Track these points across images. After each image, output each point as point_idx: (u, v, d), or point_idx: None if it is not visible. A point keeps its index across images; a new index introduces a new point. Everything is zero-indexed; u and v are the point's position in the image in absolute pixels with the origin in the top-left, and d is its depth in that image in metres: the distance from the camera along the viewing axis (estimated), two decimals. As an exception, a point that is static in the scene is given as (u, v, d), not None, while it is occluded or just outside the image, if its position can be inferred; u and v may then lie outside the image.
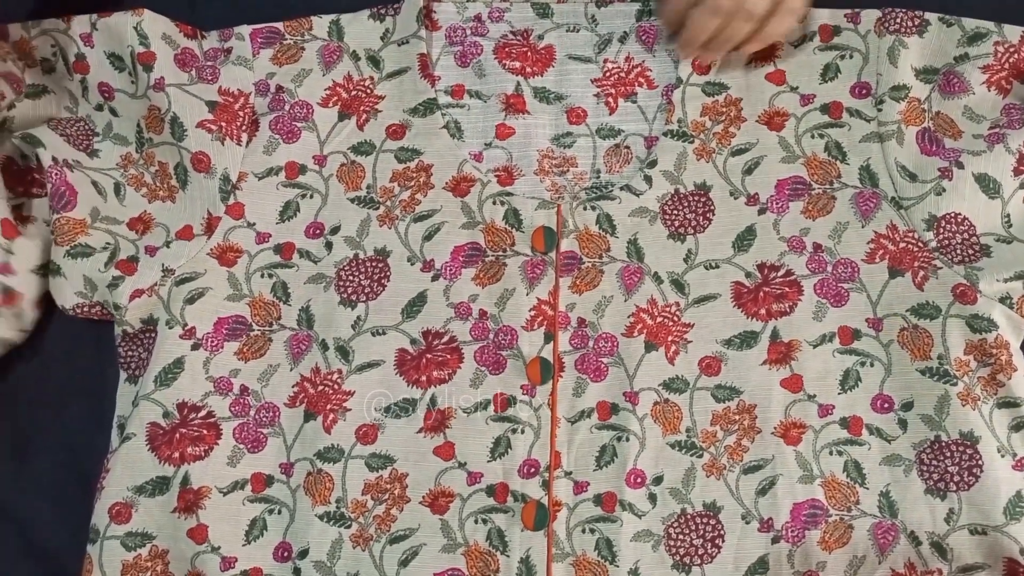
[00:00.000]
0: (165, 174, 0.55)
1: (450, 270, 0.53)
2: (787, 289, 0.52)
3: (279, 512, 0.51)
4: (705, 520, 0.49)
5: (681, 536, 0.49)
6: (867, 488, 0.49)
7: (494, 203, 0.55)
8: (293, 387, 0.52)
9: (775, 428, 0.50)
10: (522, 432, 0.51)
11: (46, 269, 0.54)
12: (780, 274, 0.53)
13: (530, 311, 0.52)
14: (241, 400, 0.52)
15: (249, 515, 0.51)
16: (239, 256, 0.55)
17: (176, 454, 0.51)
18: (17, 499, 0.54)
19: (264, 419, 0.52)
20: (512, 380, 0.51)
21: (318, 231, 0.55)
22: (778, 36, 0.53)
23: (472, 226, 0.54)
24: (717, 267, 0.53)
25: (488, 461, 0.51)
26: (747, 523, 0.49)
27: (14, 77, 0.55)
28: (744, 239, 0.53)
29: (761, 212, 0.54)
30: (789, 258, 0.53)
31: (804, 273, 0.52)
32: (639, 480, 0.50)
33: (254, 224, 0.55)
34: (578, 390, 0.51)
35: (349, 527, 0.50)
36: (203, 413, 0.52)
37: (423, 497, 0.50)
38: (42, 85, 0.56)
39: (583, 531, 0.50)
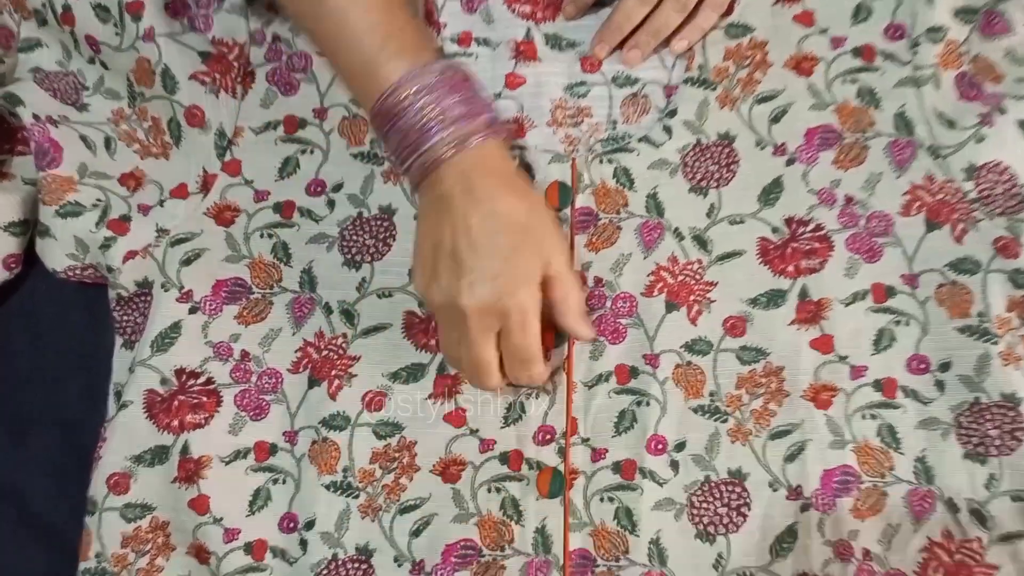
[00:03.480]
0: (158, 130, 0.53)
1: (459, 228, 0.50)
2: (817, 244, 0.49)
3: (283, 482, 0.49)
4: (730, 488, 0.47)
5: (705, 505, 0.47)
6: (902, 453, 0.47)
7: (505, 157, 0.51)
8: (296, 352, 0.50)
9: (804, 391, 0.48)
10: (536, 397, 0.49)
11: (19, 228, 0.52)
12: (809, 228, 0.49)
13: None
14: (242, 366, 0.50)
15: (252, 485, 0.48)
16: (237, 215, 0.52)
17: (175, 422, 0.49)
18: (16, 475, 0.52)
19: (266, 385, 0.50)
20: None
21: (320, 188, 0.52)
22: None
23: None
24: (742, 222, 0.50)
25: (501, 427, 0.48)
26: (774, 491, 0.47)
27: (5, 32, 0.52)
28: (771, 192, 0.50)
29: (789, 163, 0.50)
30: (819, 211, 0.50)
31: (835, 227, 0.49)
32: (660, 447, 0.48)
33: (252, 181, 0.52)
34: (595, 353, 0.48)
35: (357, 497, 0.48)
36: (202, 379, 0.49)
37: (434, 465, 0.48)
38: (36, 39, 0.53)
39: (601, 500, 0.47)
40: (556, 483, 0.47)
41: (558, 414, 0.48)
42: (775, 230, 0.50)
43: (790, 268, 0.49)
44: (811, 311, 0.48)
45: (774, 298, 0.49)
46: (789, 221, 0.50)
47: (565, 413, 0.48)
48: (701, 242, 0.50)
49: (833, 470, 0.46)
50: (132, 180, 0.52)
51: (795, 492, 0.46)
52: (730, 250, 0.49)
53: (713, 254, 0.50)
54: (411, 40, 0.46)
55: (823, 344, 0.48)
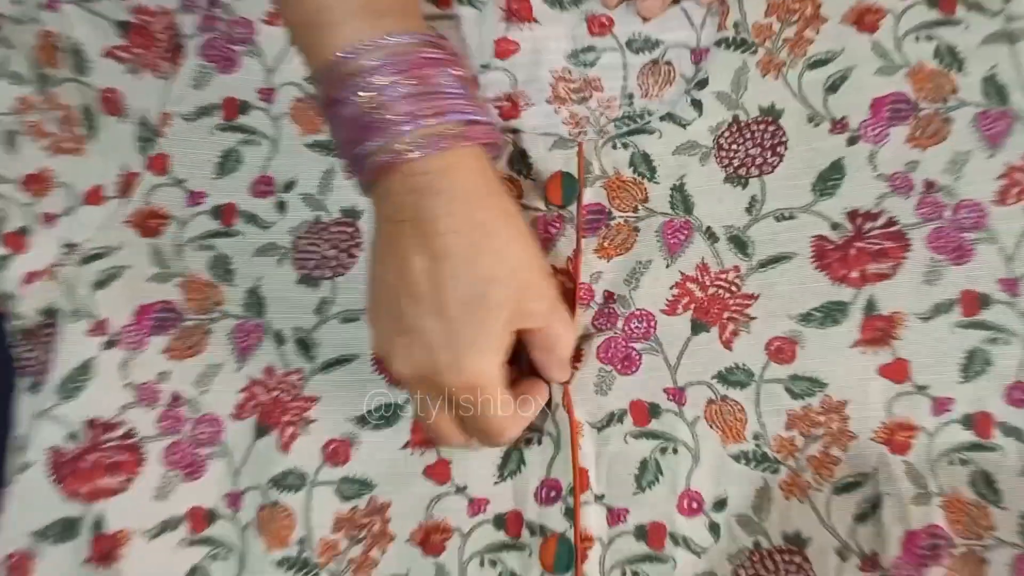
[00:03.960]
0: (71, 121, 0.43)
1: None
2: (888, 243, 0.39)
3: (225, 558, 0.39)
4: (787, 558, 0.37)
5: (755, 580, 0.37)
6: (1003, 508, 0.37)
7: (494, 143, 0.41)
8: (240, 393, 0.40)
9: (875, 432, 0.38)
10: (538, 443, 0.39)
11: None
12: (879, 224, 0.39)
13: (544, 284, 0.40)
14: (172, 412, 0.40)
15: (186, 563, 0.39)
16: (165, 224, 0.42)
17: (86, 488, 0.39)
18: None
19: (203, 436, 0.40)
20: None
21: (267, 188, 0.42)
22: None
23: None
24: (792, 217, 0.40)
25: (495, 483, 0.39)
26: (843, 560, 0.37)
27: None
28: (829, 179, 0.40)
29: (851, 142, 0.40)
30: (891, 202, 0.39)
31: (912, 221, 0.39)
32: (695, 505, 0.38)
33: (184, 181, 0.42)
34: (602, 386, 0.39)
35: None
36: (121, 432, 0.40)
37: (412, 533, 0.39)
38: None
39: (623, 575, 0.37)
40: (564, 554, 0.37)
41: (564, 463, 0.39)
42: (835, 227, 0.40)
43: (853, 275, 0.39)
44: (880, 329, 0.38)
45: (832, 313, 0.39)
46: (852, 215, 0.40)
47: (571, 462, 0.38)
48: (739, 244, 0.40)
49: (917, 532, 0.37)
50: (36, 183, 0.42)
51: (870, 562, 0.37)
52: (776, 253, 0.39)
53: (754, 259, 0.39)
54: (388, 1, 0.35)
55: (896, 371, 0.38)
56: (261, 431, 0.40)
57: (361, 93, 0.33)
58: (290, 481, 0.40)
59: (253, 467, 0.40)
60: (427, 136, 0.33)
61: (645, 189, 0.41)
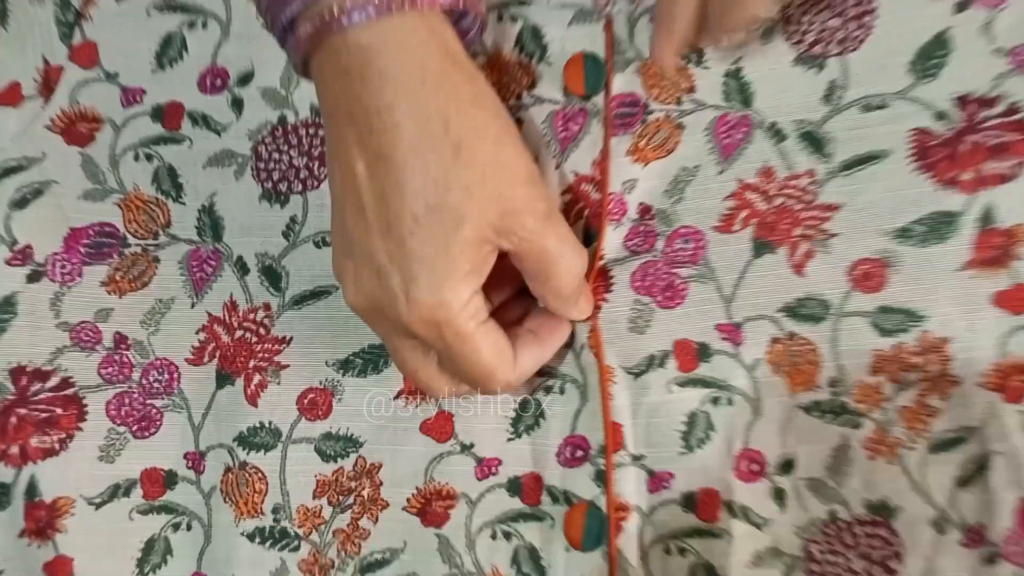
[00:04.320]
0: (-21, 4, 0.34)
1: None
2: (1010, 136, 0.30)
3: (188, 527, 0.33)
4: (871, 530, 0.30)
5: (831, 558, 0.30)
6: None
7: (500, 19, 0.33)
8: (197, 333, 0.33)
9: (984, 376, 0.30)
10: (560, 392, 0.32)
11: None
12: (996, 111, 0.31)
13: (562, 195, 0.32)
14: (116, 357, 0.33)
15: (141, 535, 0.33)
16: (97, 128, 0.34)
17: (15, 449, 0.33)
18: None
19: (155, 385, 0.33)
20: (537, 309, 0.32)
21: (220, 81, 0.34)
22: None
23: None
24: (884, 107, 0.31)
25: (508, 440, 0.32)
26: (941, 533, 0.30)
27: None
28: (931, 56, 0.31)
29: (960, 8, 0.31)
30: (1013, 83, 0.31)
31: (1041, 108, 0.30)
32: (755, 468, 0.31)
33: (116, 75, 0.34)
34: (638, 322, 0.31)
35: (297, 550, 0.32)
36: (54, 381, 0.33)
37: (409, 500, 0.32)
38: None
39: (668, 551, 0.31)
40: (594, 526, 0.31)
41: (593, 417, 0.31)
42: (940, 117, 0.31)
43: (965, 176, 0.31)
44: (997, 247, 0.30)
45: (936, 227, 0.30)
46: (962, 101, 0.31)
47: (602, 415, 0.31)
48: (815, 142, 0.31)
49: (1035, 501, 0.29)
50: (-62, 82, 0.34)
51: (975, 535, 0.30)
52: (864, 152, 0.31)
53: (835, 160, 0.31)
54: None
55: (1015, 300, 0.30)
56: (223, 379, 0.33)
57: None
58: (261, 439, 0.33)
59: (216, 422, 0.33)
60: None
61: (691, 76, 0.33)
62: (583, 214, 0.33)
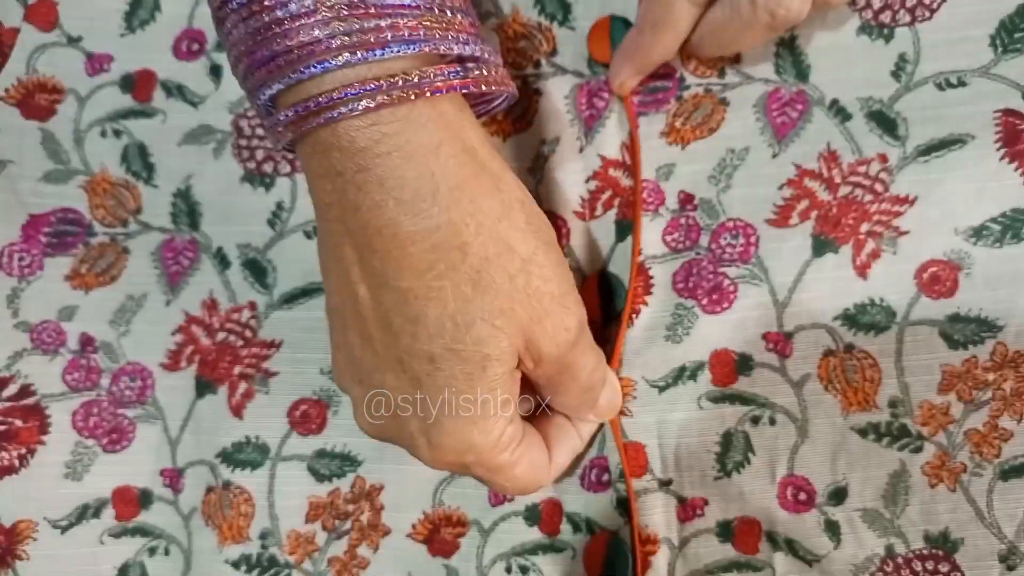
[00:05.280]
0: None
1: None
2: (1109, 124, 0.26)
3: (165, 552, 0.29)
4: (932, 566, 0.27)
5: (887, 599, 0.27)
6: None
7: (518, -24, 0.29)
8: (174, 335, 0.29)
9: (1066, 395, 0.26)
10: (582, 407, 0.28)
11: None
12: (1095, 93, 0.26)
13: (587, 181, 0.28)
14: (83, 361, 0.29)
15: (113, 562, 0.30)
16: (59, 99, 0.30)
17: (-34, 467, 0.29)
18: None
19: (127, 393, 0.30)
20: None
21: (197, 45, 0.30)
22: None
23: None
24: (963, 84, 0.27)
25: (524, 460, 0.28)
26: (1010, 569, 0.26)
27: None
28: (1016, 28, 0.27)
29: (1054, -30, 0.27)
30: (1115, 60, 0.26)
31: None
32: (803, 496, 0.27)
33: (80, 39, 0.30)
34: (677, 331, 0.27)
35: (286, 578, 0.29)
36: (13, 389, 0.29)
37: (414, 526, 0.28)
38: None
39: (701, 588, 0.27)
40: (619, 558, 0.27)
41: (608, 435, 0.28)
42: (1028, 98, 0.27)
43: (1054, 170, 0.27)
44: (1084, 249, 0.26)
45: (1017, 226, 0.27)
46: (1055, 80, 0.27)
47: (614, 433, 0.28)
48: (885, 123, 0.27)
49: (1119, 537, 0.26)
50: None
51: (1049, 576, 0.26)
52: (942, 136, 0.27)
53: (908, 145, 0.27)
54: None
55: (1101, 309, 0.26)
56: (204, 387, 0.30)
57: None
58: (246, 455, 0.29)
59: (196, 435, 0.30)
60: (364, 80, 0.20)
61: (738, 43, 0.28)
62: (613, 203, 0.29)
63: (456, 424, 0.21)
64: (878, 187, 0.27)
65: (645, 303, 0.28)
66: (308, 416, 0.29)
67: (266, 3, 0.20)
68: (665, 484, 0.28)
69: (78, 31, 0.31)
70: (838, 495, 0.27)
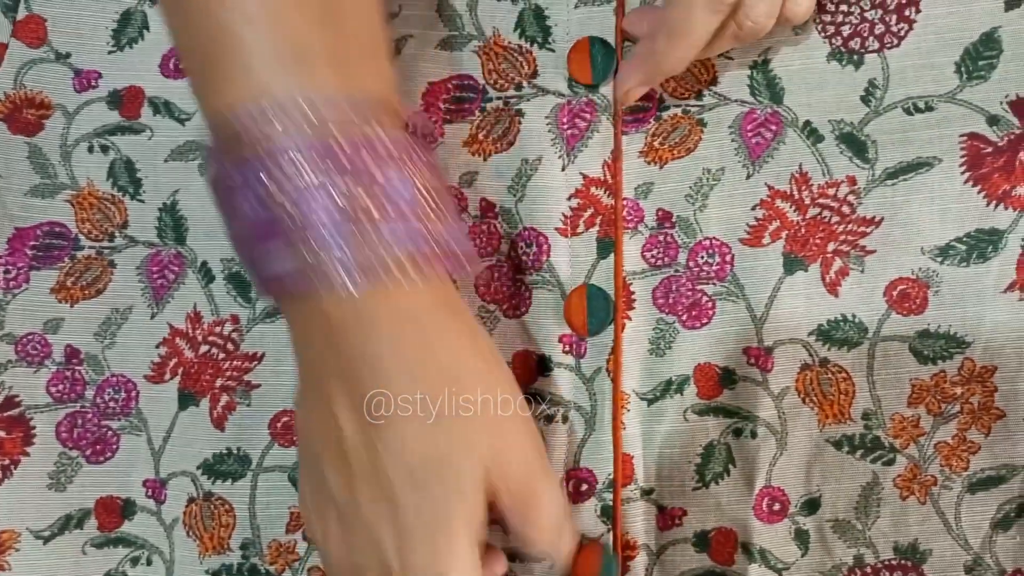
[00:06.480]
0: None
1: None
2: (1069, 147, 0.27)
3: (147, 562, 0.29)
4: (900, 575, 0.27)
5: (858, 609, 0.27)
6: None
7: (499, -1, 0.30)
8: (158, 347, 0.30)
9: (1030, 409, 0.27)
10: (563, 420, 0.29)
11: None
12: (1055, 118, 0.27)
13: (569, 199, 0.29)
14: (67, 373, 0.30)
15: (96, 572, 0.30)
16: (46, 115, 0.30)
17: (-51, 478, 0.29)
18: None
19: (111, 405, 0.30)
20: (542, 327, 0.29)
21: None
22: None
23: (458, 43, 0.29)
24: (930, 109, 0.28)
25: (505, 471, 0.28)
26: (975, 581, 0.27)
27: None
28: (981, 55, 0.28)
29: (1012, 4, 0.28)
30: (1074, 86, 0.27)
31: (1106, 115, 0.27)
32: (777, 507, 0.28)
33: (68, 55, 0.30)
34: (660, 344, 0.28)
35: (268, 589, 0.29)
36: (-4, 401, 0.30)
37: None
38: None
39: (678, 597, 0.28)
40: (605, 565, 0.28)
41: (600, 447, 0.28)
42: (993, 121, 0.28)
43: (1019, 191, 0.27)
44: (1047, 267, 0.27)
45: (982, 246, 0.28)
46: (1017, 106, 0.28)
47: (612, 447, 0.28)
48: (856, 145, 0.28)
49: (1082, 548, 0.27)
50: None
51: (1013, 587, 0.27)
52: (909, 159, 0.28)
53: (877, 168, 0.28)
54: (335, 48, 0.23)
55: (1065, 325, 0.27)
56: (187, 399, 0.30)
57: (267, 182, 0.21)
58: (228, 466, 0.30)
59: (178, 447, 0.30)
60: (363, 265, 0.22)
61: (713, 67, 0.29)
62: (595, 221, 0.29)
63: (431, 552, 0.23)
64: (845, 209, 0.28)
65: (628, 318, 0.29)
66: (289, 428, 0.30)
67: (284, 189, 0.22)
68: (647, 493, 0.28)
69: (67, 48, 0.31)
70: (811, 505, 0.28)
